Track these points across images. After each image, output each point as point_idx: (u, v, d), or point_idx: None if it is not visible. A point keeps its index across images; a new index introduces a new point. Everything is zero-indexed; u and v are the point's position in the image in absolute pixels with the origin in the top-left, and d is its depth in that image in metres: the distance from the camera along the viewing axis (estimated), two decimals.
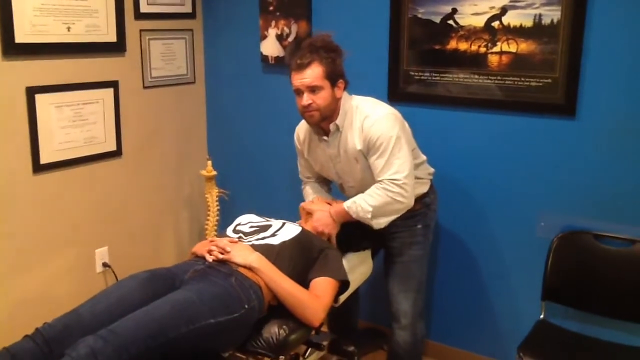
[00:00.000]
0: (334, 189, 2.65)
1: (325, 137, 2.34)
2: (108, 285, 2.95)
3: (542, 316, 2.49)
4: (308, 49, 2.20)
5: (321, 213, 2.32)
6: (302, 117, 2.31)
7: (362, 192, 2.29)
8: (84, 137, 2.81)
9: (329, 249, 2.21)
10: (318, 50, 2.18)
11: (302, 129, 2.50)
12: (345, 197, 2.36)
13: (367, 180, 2.29)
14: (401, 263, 2.43)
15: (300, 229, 2.23)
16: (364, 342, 2.56)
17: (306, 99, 2.19)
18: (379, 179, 2.21)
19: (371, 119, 2.22)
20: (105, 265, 2.99)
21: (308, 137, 2.45)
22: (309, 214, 2.38)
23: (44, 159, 2.65)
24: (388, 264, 2.47)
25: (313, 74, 2.17)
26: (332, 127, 2.29)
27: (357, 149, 2.25)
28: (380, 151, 2.19)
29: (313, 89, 2.19)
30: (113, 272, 3.00)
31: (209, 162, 3.17)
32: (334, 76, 2.21)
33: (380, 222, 2.24)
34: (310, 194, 2.57)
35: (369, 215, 2.21)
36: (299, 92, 2.22)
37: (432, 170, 2.48)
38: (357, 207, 2.22)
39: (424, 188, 2.41)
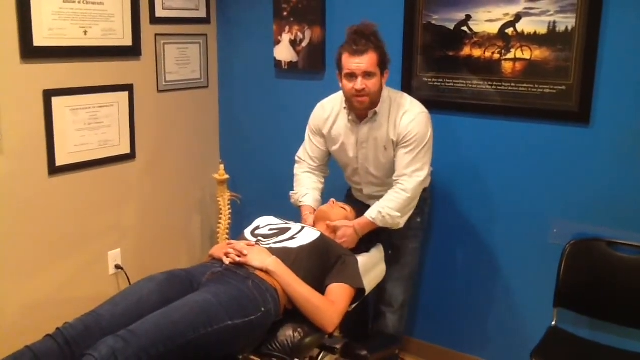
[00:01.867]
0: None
1: (360, 122, 2.41)
2: (120, 287, 2.98)
3: (554, 323, 2.49)
4: (361, 35, 2.26)
5: (346, 229, 2.37)
6: (350, 101, 2.35)
7: (382, 180, 2.45)
8: (98, 139, 2.83)
9: (347, 256, 2.22)
10: (369, 37, 2.26)
11: (328, 105, 2.53)
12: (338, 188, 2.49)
13: (388, 168, 2.41)
14: (398, 254, 2.54)
15: (319, 233, 2.24)
16: (376, 346, 2.56)
17: (361, 83, 2.25)
18: (402, 172, 2.33)
19: (411, 115, 2.34)
20: (117, 267, 3.00)
21: (334, 116, 2.49)
22: (332, 227, 2.39)
23: (60, 161, 2.68)
24: (389, 252, 2.54)
25: (370, 60, 2.25)
26: (370, 113, 2.37)
27: (390, 138, 2.35)
28: (412, 147, 2.32)
29: (368, 75, 2.26)
30: (125, 274, 3.01)
31: (222, 166, 3.19)
32: (383, 65, 2.31)
33: (401, 223, 2.37)
34: (304, 188, 2.59)
35: (398, 220, 2.34)
36: (351, 76, 2.28)
37: (432, 168, 2.54)
38: (385, 217, 2.33)
39: (426, 182, 2.50)
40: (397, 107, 2.36)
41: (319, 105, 2.58)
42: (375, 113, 2.36)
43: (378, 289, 2.55)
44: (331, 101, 2.54)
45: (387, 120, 2.36)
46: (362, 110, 2.36)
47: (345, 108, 2.43)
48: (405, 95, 2.45)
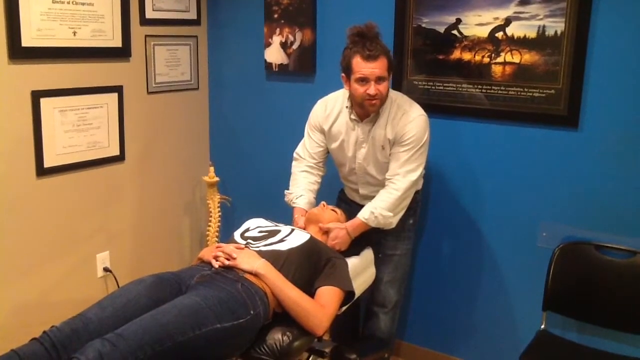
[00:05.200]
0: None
1: (361, 121, 2.42)
2: (109, 290, 2.96)
3: (543, 326, 2.50)
4: (368, 38, 2.27)
5: (338, 231, 2.38)
6: (361, 104, 2.35)
7: (379, 180, 2.44)
8: (87, 141, 2.81)
9: (337, 258, 2.21)
10: (377, 41, 2.29)
11: (331, 102, 2.54)
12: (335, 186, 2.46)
13: (387, 168, 2.42)
14: (392, 255, 2.56)
15: (308, 236, 2.24)
16: (366, 349, 2.56)
17: (374, 88, 2.27)
18: (396, 170, 2.35)
19: (411, 116, 2.36)
20: (106, 270, 2.98)
21: (336, 113, 2.50)
22: (324, 230, 2.40)
23: (48, 163, 2.66)
24: (379, 255, 2.55)
25: (383, 65, 2.28)
26: (373, 113, 2.38)
27: (387, 137, 2.37)
28: (409, 147, 2.34)
29: (380, 79, 2.28)
30: (114, 277, 2.99)
31: (211, 168, 3.18)
32: (391, 69, 2.34)
33: (394, 222, 2.39)
34: (299, 189, 2.58)
35: (391, 220, 2.36)
36: (364, 81, 2.29)
37: (424, 171, 2.55)
38: (378, 217, 2.34)
39: (419, 184, 2.52)
40: (397, 108, 2.38)
41: (320, 101, 2.58)
42: (378, 113, 2.38)
43: (371, 290, 2.55)
44: (334, 99, 2.54)
45: (387, 120, 2.38)
46: (372, 112, 2.37)
47: (347, 107, 2.44)
48: (406, 97, 2.47)
